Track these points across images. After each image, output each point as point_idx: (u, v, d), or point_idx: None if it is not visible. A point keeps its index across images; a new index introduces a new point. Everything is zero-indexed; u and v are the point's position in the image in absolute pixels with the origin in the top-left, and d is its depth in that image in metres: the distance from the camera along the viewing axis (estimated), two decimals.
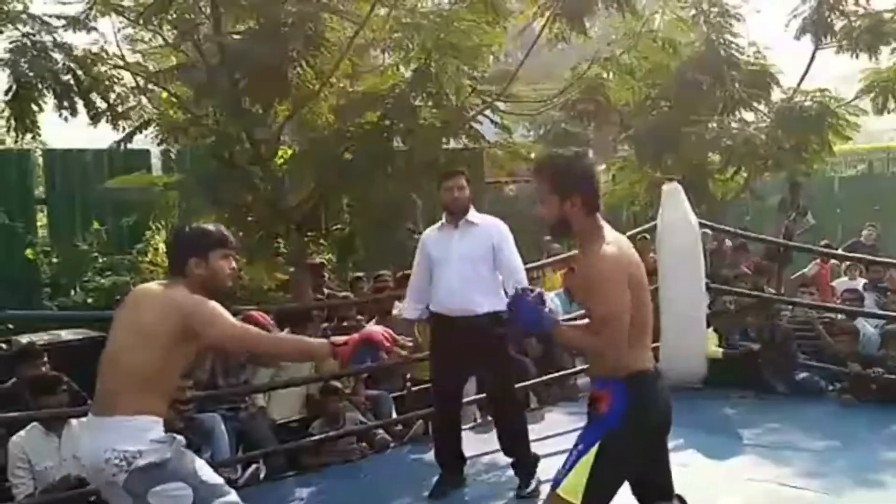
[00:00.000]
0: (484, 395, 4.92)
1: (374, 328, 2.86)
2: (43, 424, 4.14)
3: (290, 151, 6.24)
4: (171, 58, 5.82)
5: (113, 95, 5.57)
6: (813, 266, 8.35)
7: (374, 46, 6.13)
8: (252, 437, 4.95)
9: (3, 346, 5.51)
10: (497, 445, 4.47)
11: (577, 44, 6.73)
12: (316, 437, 4.97)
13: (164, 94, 5.85)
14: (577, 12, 6.28)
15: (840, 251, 8.66)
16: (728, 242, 8.21)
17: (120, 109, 5.66)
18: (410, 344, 2.89)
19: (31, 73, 5.01)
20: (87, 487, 3.90)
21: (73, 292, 7.03)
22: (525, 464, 4.33)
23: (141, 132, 5.80)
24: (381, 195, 5.67)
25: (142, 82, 5.75)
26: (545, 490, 2.61)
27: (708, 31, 8.10)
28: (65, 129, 5.77)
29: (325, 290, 6.72)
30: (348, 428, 5.07)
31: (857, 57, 8.37)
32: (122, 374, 2.60)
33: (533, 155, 6.42)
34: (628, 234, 6.69)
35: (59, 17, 5.16)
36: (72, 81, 5.24)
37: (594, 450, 2.45)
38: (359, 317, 6.23)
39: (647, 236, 6.80)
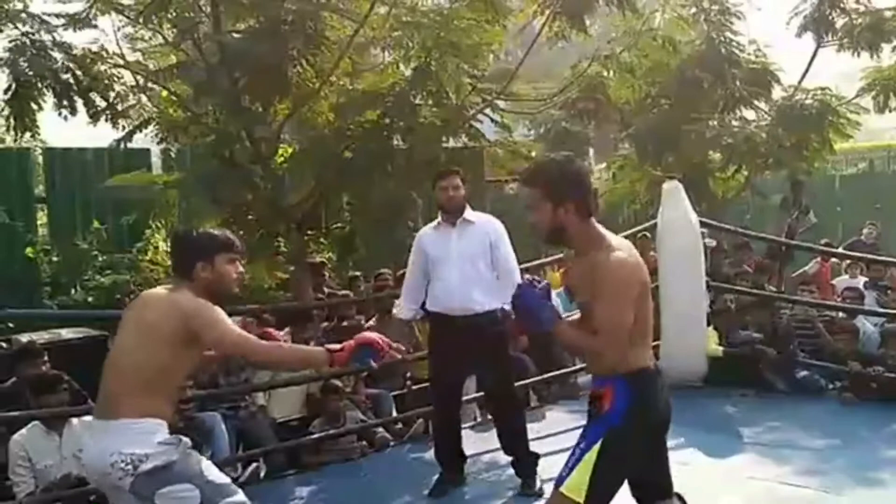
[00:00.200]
0: (483, 393, 4.92)
1: (369, 333, 2.88)
2: (43, 423, 4.14)
3: (290, 150, 6.24)
4: (170, 56, 5.82)
5: (112, 94, 5.57)
6: (813, 264, 8.35)
7: (374, 45, 6.13)
8: (252, 436, 4.96)
9: (4, 344, 5.51)
10: (497, 444, 4.48)
11: (578, 42, 6.73)
12: (316, 436, 4.97)
13: (164, 93, 5.85)
14: (577, 10, 6.27)
15: (840, 249, 8.65)
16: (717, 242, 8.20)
17: (120, 108, 5.66)
18: (404, 349, 2.90)
19: (31, 72, 5.02)
20: (88, 486, 3.91)
21: (73, 291, 7.03)
22: (525, 462, 4.33)
23: (141, 131, 5.80)
24: (382, 194, 5.67)
25: (141, 81, 5.75)
26: (549, 489, 2.61)
27: (708, 29, 8.09)
28: (65, 128, 5.77)
29: (326, 289, 6.72)
30: (348, 426, 5.08)
31: (858, 55, 8.38)
32: (126, 376, 2.60)
33: (534, 153, 6.42)
34: (629, 232, 6.72)
35: (58, 16, 5.16)
36: (71, 80, 5.24)
37: (596, 447, 2.44)
38: (358, 316, 6.23)
39: (648, 235, 6.80)
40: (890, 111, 8.45)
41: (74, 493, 3.99)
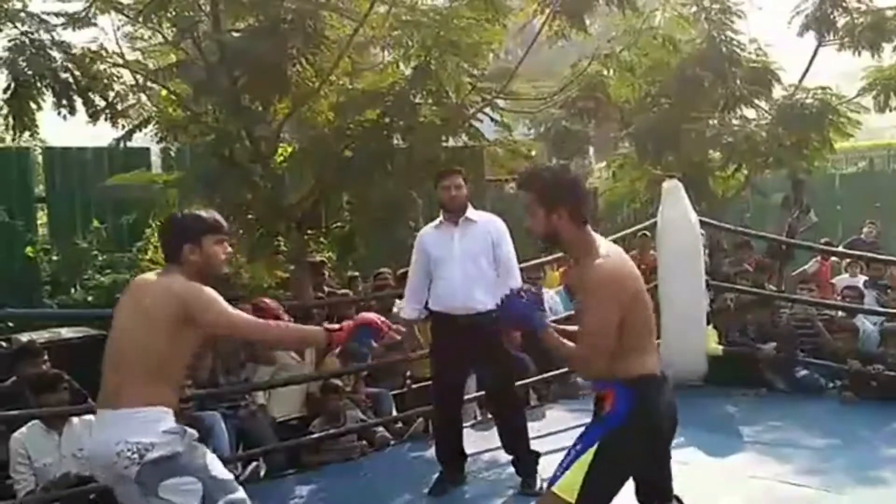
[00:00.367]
0: (484, 392, 4.91)
1: (368, 314, 2.87)
2: (43, 422, 4.15)
3: (289, 149, 6.23)
4: (170, 55, 5.80)
5: (112, 93, 5.56)
6: (813, 263, 8.34)
7: (373, 44, 6.12)
8: (252, 435, 4.96)
9: (4, 344, 5.51)
10: (498, 442, 4.48)
11: (578, 41, 6.72)
12: (316, 435, 4.97)
13: (164, 92, 5.84)
14: (577, 9, 6.26)
15: (840, 248, 8.65)
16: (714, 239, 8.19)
17: (119, 107, 5.64)
18: (405, 330, 2.90)
19: (30, 72, 5.00)
20: (88, 485, 3.91)
21: (73, 290, 7.02)
22: (525, 461, 4.33)
23: (140, 130, 5.78)
24: (382, 193, 5.67)
25: (141, 80, 5.73)
26: None
27: (709, 27, 8.08)
28: (64, 128, 5.77)
29: (326, 288, 6.72)
30: (348, 426, 5.08)
31: (859, 54, 8.37)
32: (128, 364, 2.58)
33: (534, 153, 6.41)
34: (628, 231, 6.72)
35: (57, 15, 5.15)
36: (70, 80, 5.23)
37: (592, 449, 2.45)
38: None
39: (648, 233, 6.80)
40: (890, 110, 8.44)
41: (74, 492, 3.99)
